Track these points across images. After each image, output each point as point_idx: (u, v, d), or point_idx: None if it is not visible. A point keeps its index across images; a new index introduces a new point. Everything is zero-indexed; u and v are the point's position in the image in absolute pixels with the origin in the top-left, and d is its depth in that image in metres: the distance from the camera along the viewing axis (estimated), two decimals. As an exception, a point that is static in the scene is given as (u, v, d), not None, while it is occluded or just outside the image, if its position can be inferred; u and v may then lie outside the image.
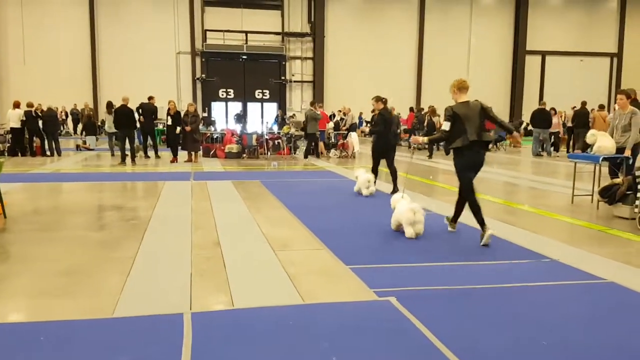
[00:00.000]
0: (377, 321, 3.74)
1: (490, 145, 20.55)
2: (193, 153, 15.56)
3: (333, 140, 18.54)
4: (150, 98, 16.17)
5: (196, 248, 5.70)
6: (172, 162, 15.20)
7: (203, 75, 29.34)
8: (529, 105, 28.00)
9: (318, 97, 29.58)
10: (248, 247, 5.84)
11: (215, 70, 29.37)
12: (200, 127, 17.26)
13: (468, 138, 5.92)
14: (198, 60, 29.43)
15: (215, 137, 18.70)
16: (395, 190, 9.20)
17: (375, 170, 9.69)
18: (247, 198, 9.13)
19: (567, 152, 18.70)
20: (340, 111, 20.34)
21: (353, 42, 30.44)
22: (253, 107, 30.36)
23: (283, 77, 30.10)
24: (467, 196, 6.24)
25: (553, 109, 18.88)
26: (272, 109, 29.87)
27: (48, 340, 3.38)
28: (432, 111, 19.23)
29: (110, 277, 4.73)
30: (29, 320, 3.71)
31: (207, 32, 29.12)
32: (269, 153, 17.60)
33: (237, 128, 20.98)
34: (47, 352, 3.24)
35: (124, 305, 4.03)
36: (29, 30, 27.44)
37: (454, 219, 6.66)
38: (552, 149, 18.86)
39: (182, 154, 15.66)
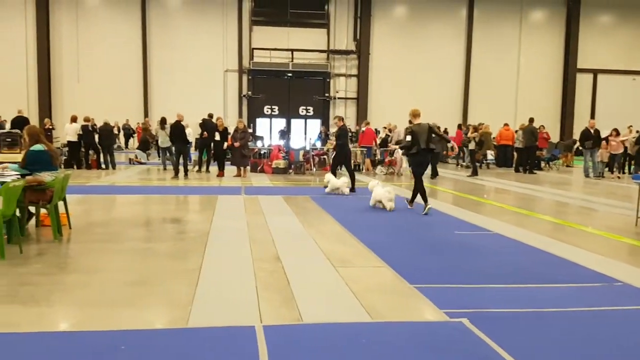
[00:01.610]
0: (451, 342, 3.68)
1: (543, 164, 20.14)
2: (242, 168, 15.80)
3: (379, 157, 18.48)
4: (210, 115, 16.60)
5: (257, 262, 5.76)
6: (218, 176, 15.47)
7: (249, 92, 29.88)
8: (580, 125, 27.26)
9: (362, 113, 29.64)
10: (308, 262, 5.86)
11: (260, 88, 29.88)
12: (249, 142, 17.55)
13: (420, 146, 9.13)
14: (245, 78, 30.01)
15: (262, 152, 18.96)
16: (353, 189, 11.87)
17: (334, 173, 12.21)
18: (299, 213, 9.19)
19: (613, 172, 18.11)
20: (385, 128, 20.30)
21: (398, 59, 30.46)
22: (296, 124, 30.67)
23: (327, 94, 30.34)
24: (417, 183, 9.44)
25: (615, 129, 18.15)
26: (315, 125, 30.09)
27: (129, 349, 3.46)
28: (474, 129, 18.87)
29: (179, 288, 4.83)
30: (107, 329, 3.81)
31: (254, 50, 29.70)
32: (314, 169, 17.70)
33: (281, 144, 21.23)
34: None
35: (196, 315, 4.10)
36: (83, 49, 28.61)
37: (412, 200, 9.79)
38: (615, 170, 18.23)
39: (229, 169, 15.93)
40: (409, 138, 9.29)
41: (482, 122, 21.52)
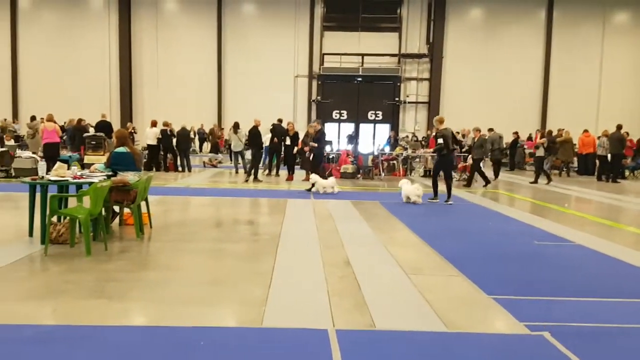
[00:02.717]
0: (532, 356, 3.53)
1: (627, 173, 18.96)
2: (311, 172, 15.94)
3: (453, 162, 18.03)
4: (279, 120, 16.93)
5: (328, 266, 5.78)
6: (287, 180, 15.69)
7: (318, 97, 30.14)
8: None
9: (433, 118, 29.05)
10: (379, 268, 5.82)
11: (330, 92, 30.06)
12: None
13: (449, 148, 10.98)
14: (314, 83, 30.30)
15: (330, 157, 19.05)
16: (310, 189, 12.61)
17: (323, 176, 13.16)
18: (368, 218, 9.14)
19: None
20: (458, 132, 19.82)
21: (472, 63, 29.68)
22: (365, 128, 30.58)
23: (397, 98, 30.05)
24: (447, 179, 11.33)
25: None
26: (384, 130, 29.86)
27: (208, 345, 3.57)
28: (541, 135, 18.04)
29: (253, 288, 4.93)
30: (187, 325, 3.94)
31: (325, 56, 29.94)
32: (383, 174, 17.57)
33: (349, 149, 21.24)
34: (208, 356, 3.43)
35: (270, 316, 4.17)
36: (162, 56, 29.94)
37: (435, 195, 11.32)
38: None
39: (299, 173, 16.12)
40: (440, 141, 10.93)
41: (562, 127, 20.57)
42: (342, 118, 30.70)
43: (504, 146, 20.77)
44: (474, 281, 5.26)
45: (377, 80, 29.94)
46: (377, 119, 30.55)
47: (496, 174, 17.52)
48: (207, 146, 28.23)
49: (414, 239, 7.45)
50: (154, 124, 17.89)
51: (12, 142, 17.19)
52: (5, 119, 23.96)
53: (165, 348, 3.53)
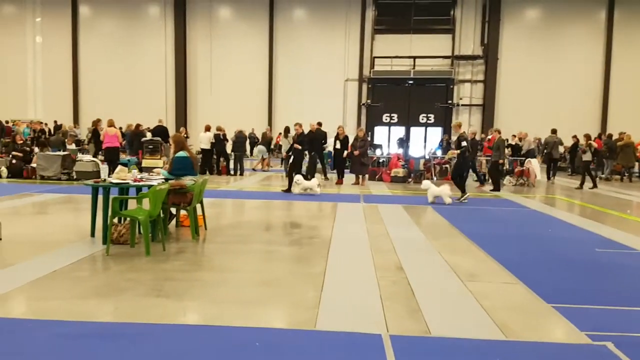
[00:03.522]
0: (597, 368, 3.37)
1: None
2: (360, 176, 15.90)
3: (508, 166, 17.58)
4: (319, 124, 16.93)
5: (380, 270, 5.73)
6: (337, 183, 15.68)
7: (368, 101, 30.03)
8: None
9: (488, 121, 28.45)
10: (433, 274, 5.72)
11: (380, 96, 29.88)
12: (368, 151, 17.60)
13: (469, 151, 12.12)
14: (365, 87, 30.23)
15: (381, 161, 18.92)
16: (289, 190, 13.01)
17: (303, 174, 13.54)
18: (420, 223, 9.02)
19: None
20: (514, 136, 19.30)
21: (528, 64, 28.81)
22: (416, 132, 30.18)
23: (450, 101, 29.53)
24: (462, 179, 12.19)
25: None
26: (436, 133, 29.40)
27: (263, 346, 3.61)
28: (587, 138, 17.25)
29: (306, 291, 4.95)
30: (242, 325, 4.00)
31: (375, 59, 29.83)
32: (435, 178, 17.28)
33: (400, 152, 21.01)
34: (264, 356, 3.46)
35: (323, 319, 4.17)
36: (216, 62, 30.65)
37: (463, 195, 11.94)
38: None
39: (348, 177, 16.08)
40: (464, 144, 11.93)
41: (624, 131, 19.65)
42: (392, 121, 30.42)
43: (562, 150, 20.08)
44: (532, 289, 5.09)
45: (429, 82, 29.53)
46: (428, 122, 30.10)
47: (548, 176, 17.26)
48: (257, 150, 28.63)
49: (469, 244, 7.28)
50: (207, 128, 18.29)
51: (73, 146, 18.00)
52: (58, 124, 25.09)
53: (221, 347, 3.60)
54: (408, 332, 3.97)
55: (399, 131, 29.53)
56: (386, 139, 29.39)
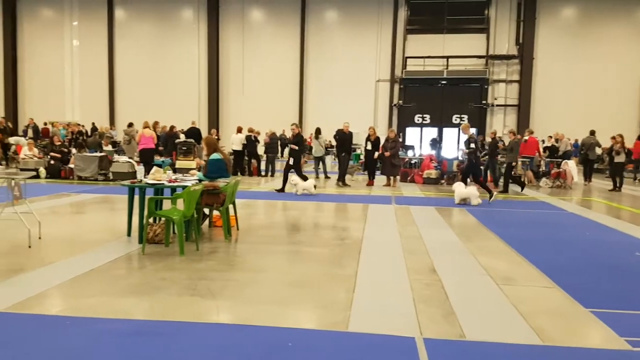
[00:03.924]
0: (640, 377, 3.25)
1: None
2: (392, 178, 15.79)
3: (544, 168, 17.19)
4: (345, 126, 16.83)
5: (413, 273, 5.68)
6: (368, 185, 15.60)
7: (400, 102, 29.85)
8: None
9: (523, 121, 27.91)
10: (467, 277, 5.63)
11: (412, 96, 29.68)
12: (400, 152, 17.48)
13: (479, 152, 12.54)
14: (396, 87, 30.05)
15: (412, 162, 18.76)
16: (282, 189, 13.20)
17: (305, 177, 13.35)
18: (454, 225, 8.90)
19: None
20: (551, 137, 18.87)
21: (565, 64, 28.15)
22: (449, 133, 29.86)
23: (484, 102, 29.11)
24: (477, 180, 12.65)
25: None
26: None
27: (295, 346, 3.61)
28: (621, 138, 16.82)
29: (337, 292, 4.94)
30: (275, 326, 4.01)
31: (407, 59, 29.63)
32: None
33: (432, 153, 20.77)
34: (297, 357, 3.47)
35: (356, 321, 4.15)
36: (247, 64, 30.95)
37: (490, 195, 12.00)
38: None
39: (379, 179, 15.99)
40: (472, 145, 12.33)
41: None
42: (424, 122, 30.18)
43: (599, 152, 19.52)
44: (570, 293, 4.96)
45: (462, 83, 29.19)
46: (462, 122, 29.71)
47: (585, 178, 17.06)
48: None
49: (505, 247, 7.15)
50: (239, 130, 18.47)
51: (109, 148, 18.42)
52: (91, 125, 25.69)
53: (255, 347, 3.62)
54: (442, 335, 3.92)
55: (431, 132, 29.26)
56: (418, 140, 29.17)
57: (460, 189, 11.67)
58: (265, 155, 18.75)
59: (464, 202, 11.53)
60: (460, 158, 18.27)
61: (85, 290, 4.88)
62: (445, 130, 29.79)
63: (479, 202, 11.37)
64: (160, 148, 17.29)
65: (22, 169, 14.09)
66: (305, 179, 13.31)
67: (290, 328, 3.97)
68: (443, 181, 16.70)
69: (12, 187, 7.33)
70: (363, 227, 8.48)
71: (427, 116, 29.90)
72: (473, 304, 4.70)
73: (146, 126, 15.97)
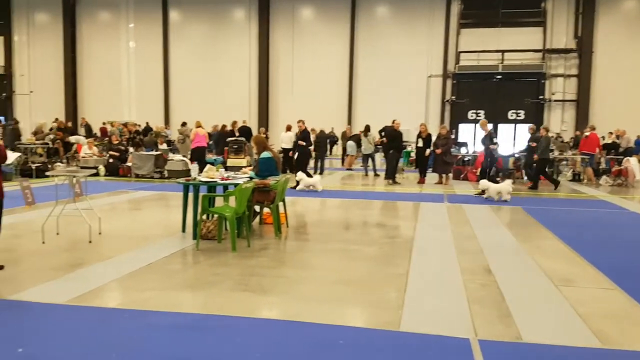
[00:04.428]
0: None
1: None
2: (444, 175, 15.50)
3: (604, 166, 16.44)
4: (393, 122, 16.60)
5: (467, 273, 5.54)
6: (419, 183, 15.36)
7: (453, 97, 29.25)
8: None
9: (582, 117, 26.76)
10: (524, 277, 5.45)
11: (465, 92, 29.02)
12: (452, 149, 17.14)
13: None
14: (449, 82, 29.47)
15: (466, 159, 18.35)
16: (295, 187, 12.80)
17: (307, 174, 13.36)
18: (509, 225, 8.64)
19: None
20: (611, 133, 18.03)
21: (626, 58, 26.74)
22: (504, 129, 29.01)
23: (541, 97, 28.10)
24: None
25: None
26: (526, 130, 28.09)
27: (346, 344, 3.59)
28: None
29: (388, 291, 4.88)
30: (326, 323, 4.00)
31: (460, 54, 29.00)
32: (526, 177, 16.50)
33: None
34: (348, 355, 3.45)
35: (407, 320, 4.09)
36: (297, 63, 31.08)
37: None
38: None
39: (431, 177, 15.74)
40: (496, 140, 13.02)
41: None
42: (478, 118, 29.42)
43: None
44: (632, 295, 4.72)
45: (518, 77, 28.27)
46: (518, 118, 28.85)
47: None
48: (336, 149, 28.75)
49: (563, 247, 6.88)
50: (288, 128, 18.56)
51: (164, 146, 18.96)
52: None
53: (306, 344, 3.62)
54: (498, 337, 3.80)
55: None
56: (472, 136, 28.50)
57: (493, 186, 11.72)
58: (314, 153, 18.76)
59: (487, 196, 11.74)
60: (516, 155, 17.74)
61: (142, 284, 5.03)
62: (501, 126, 28.93)
63: (509, 197, 11.40)
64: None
65: (82, 167, 14.68)
66: (309, 175, 13.46)
67: (340, 326, 3.95)
68: (498, 179, 16.21)
69: (74, 184, 7.66)
70: (414, 226, 8.36)
71: (481, 112, 29.16)
72: (530, 305, 4.54)
73: (199, 125, 16.35)
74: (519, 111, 28.37)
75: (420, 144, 15.92)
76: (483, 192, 12.15)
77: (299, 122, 14.79)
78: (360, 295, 4.80)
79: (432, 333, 3.83)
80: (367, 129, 17.79)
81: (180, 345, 3.59)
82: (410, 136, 21.33)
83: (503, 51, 27.96)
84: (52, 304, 4.35)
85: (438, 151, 15.15)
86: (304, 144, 14.01)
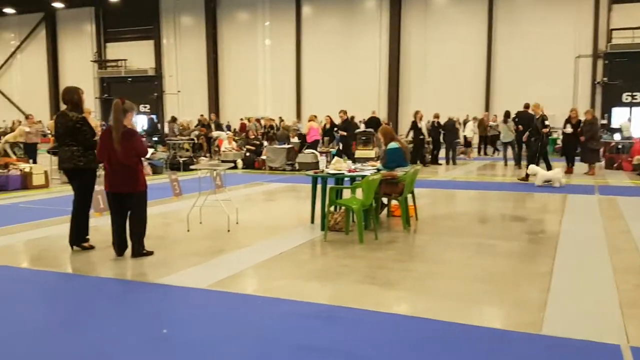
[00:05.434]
0: None
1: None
2: (592, 165, 14.08)
3: None
4: (526, 106, 15.29)
5: (620, 273, 4.94)
6: (566, 172, 14.08)
7: (605, 79, 26.54)
8: None
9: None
10: (693, 280, 4.72)
11: (619, 72, 26.17)
12: (605, 136, 15.52)
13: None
14: (600, 63, 26.77)
15: (619, 147, 16.53)
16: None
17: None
18: (673, 219, 7.58)
19: None
20: None
21: None
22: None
23: None
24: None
25: None
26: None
27: (481, 345, 3.37)
28: None
29: (529, 290, 4.52)
30: (458, 322, 3.79)
31: (612, 32, 26.17)
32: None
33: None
34: (483, 356, 3.23)
35: (550, 323, 3.75)
36: (430, 48, 30.25)
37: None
38: None
39: (579, 166, 14.40)
40: (547, 122, 12.63)
41: None
42: (634, 101, 26.47)
43: None
44: None
45: (681, 54, 24.86)
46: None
47: None
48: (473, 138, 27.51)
49: None
50: (420, 117, 18.14)
51: (296, 140, 19.58)
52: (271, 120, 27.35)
53: (435, 342, 3.47)
54: (659, 348, 3.32)
55: (643, 112, 25.53)
56: (627, 121, 25.63)
57: (542, 172, 11.61)
58: (444, 142, 18.04)
59: (546, 184, 11.42)
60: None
61: (274, 272, 5.19)
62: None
63: (560, 184, 11.19)
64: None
65: (223, 161, 15.69)
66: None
67: (474, 326, 3.72)
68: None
69: (215, 177, 8.18)
70: (560, 220, 7.68)
71: (638, 94, 26.13)
72: (702, 314, 3.90)
73: (312, 119, 16.84)
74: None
75: (569, 130, 14.59)
76: (527, 176, 12.07)
77: (340, 112, 14.67)
78: (497, 293, 4.49)
79: (577, 337, 3.46)
80: (507, 114, 16.80)
81: (307, 334, 3.63)
82: (555, 122, 19.75)
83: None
84: (195, 288, 4.65)
85: (582, 138, 13.84)
86: (345, 134, 13.79)
